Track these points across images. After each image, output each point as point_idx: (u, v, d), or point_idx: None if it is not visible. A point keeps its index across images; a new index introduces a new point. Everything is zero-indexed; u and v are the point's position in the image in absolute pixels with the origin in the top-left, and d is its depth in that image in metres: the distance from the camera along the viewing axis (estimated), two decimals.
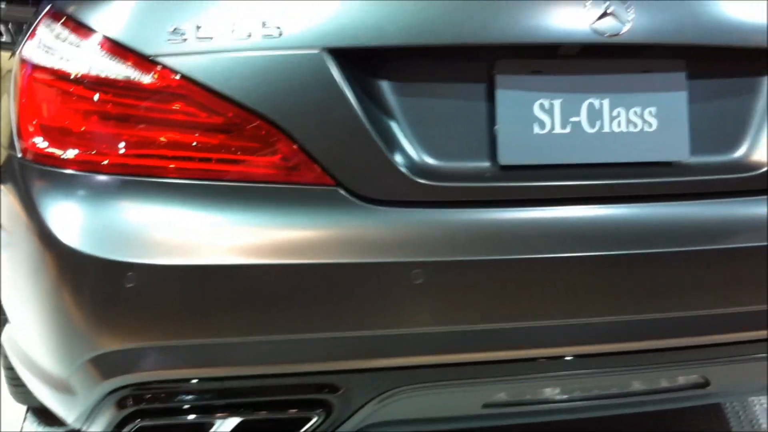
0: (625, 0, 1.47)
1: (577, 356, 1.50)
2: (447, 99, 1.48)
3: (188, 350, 1.37)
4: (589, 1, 1.46)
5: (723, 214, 1.55)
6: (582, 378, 1.55)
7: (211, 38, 1.38)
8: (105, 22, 1.41)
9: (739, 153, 1.60)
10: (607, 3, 1.46)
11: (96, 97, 1.40)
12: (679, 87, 1.56)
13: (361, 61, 1.42)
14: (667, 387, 1.64)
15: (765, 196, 1.58)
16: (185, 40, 1.38)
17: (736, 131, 1.60)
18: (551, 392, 1.59)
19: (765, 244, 1.54)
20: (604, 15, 1.47)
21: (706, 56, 1.58)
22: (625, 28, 1.47)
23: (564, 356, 1.50)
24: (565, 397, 1.59)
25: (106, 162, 1.39)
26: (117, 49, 1.39)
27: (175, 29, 1.38)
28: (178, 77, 1.38)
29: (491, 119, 1.49)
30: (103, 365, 1.39)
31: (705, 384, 1.63)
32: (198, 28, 1.38)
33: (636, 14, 1.48)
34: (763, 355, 1.60)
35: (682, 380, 1.64)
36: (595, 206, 1.50)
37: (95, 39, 1.40)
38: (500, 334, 1.44)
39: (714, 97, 1.60)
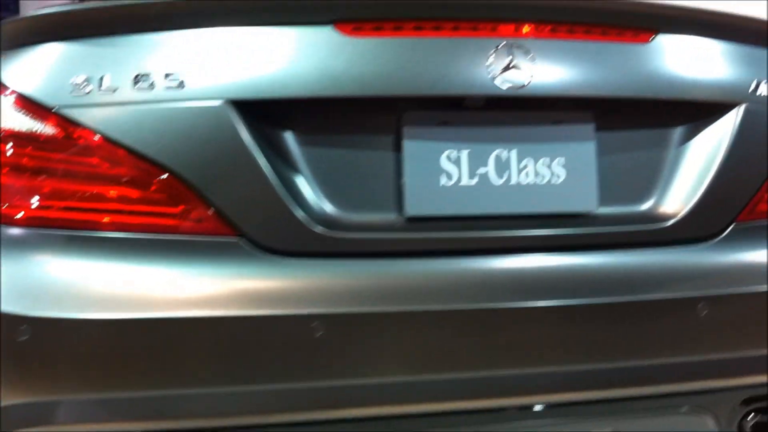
0: (529, 53, 1.49)
1: (478, 410, 1.50)
2: (354, 150, 1.49)
3: (85, 405, 1.35)
4: (493, 54, 1.47)
5: (632, 265, 1.56)
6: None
7: (114, 89, 1.39)
8: (13, 75, 1.41)
9: (648, 204, 1.62)
10: (510, 57, 1.48)
11: (6, 148, 1.40)
12: (588, 138, 1.58)
13: (265, 112, 1.43)
14: None
15: (674, 248, 1.59)
16: (89, 92, 1.38)
17: (645, 182, 1.62)
18: None
19: (674, 295, 1.55)
20: (507, 68, 1.48)
21: (616, 108, 1.60)
22: (529, 81, 1.48)
23: (469, 409, 1.49)
24: None
25: (9, 214, 1.39)
26: (23, 101, 1.39)
27: (78, 81, 1.39)
28: (80, 128, 1.38)
29: (398, 170, 1.50)
30: (6, 417, 1.37)
31: None
32: (101, 79, 1.39)
33: (541, 67, 1.50)
34: (673, 408, 1.60)
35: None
36: (503, 257, 1.50)
37: (5, 92, 1.40)
38: (402, 387, 1.43)
39: (623, 149, 1.62)
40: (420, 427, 1.50)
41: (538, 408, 1.54)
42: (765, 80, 1.66)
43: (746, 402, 1.65)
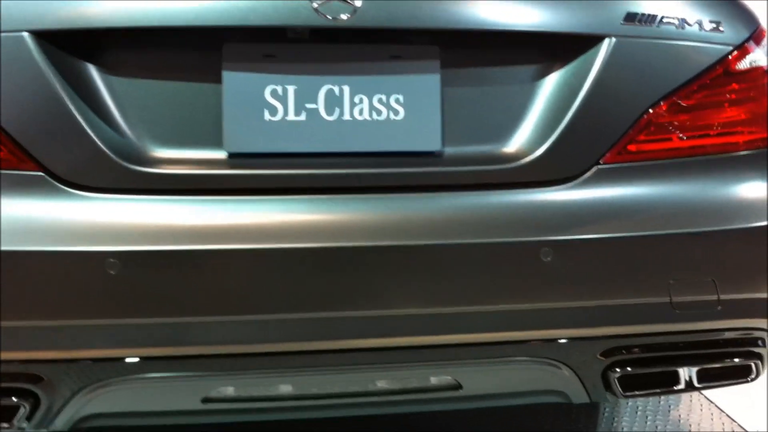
0: None
1: (304, 352, 1.45)
2: (172, 84, 1.44)
3: None
4: None
5: (477, 207, 1.47)
6: (311, 375, 1.49)
7: None
8: None
9: (500, 144, 1.52)
10: None
11: None
12: (431, 74, 1.48)
13: (71, 44, 1.38)
14: (419, 387, 1.57)
15: (525, 189, 1.50)
16: None
17: (497, 121, 1.52)
18: (284, 389, 1.53)
19: (523, 239, 1.46)
20: None
21: (465, 41, 1.50)
22: (354, 11, 1.40)
23: (291, 352, 1.44)
24: (298, 393, 1.53)
25: None
26: None
27: None
28: None
29: (219, 105, 1.44)
30: None
31: (457, 386, 1.56)
32: None
33: None
34: (517, 358, 1.52)
35: (434, 381, 1.57)
36: (334, 196, 1.44)
37: None
38: (211, 327, 1.39)
39: (474, 85, 1.52)
40: (243, 366, 1.46)
41: (374, 353, 1.48)
42: (640, 12, 1.53)
43: (606, 354, 1.56)
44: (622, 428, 2.25)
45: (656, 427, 2.27)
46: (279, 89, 1.44)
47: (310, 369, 1.47)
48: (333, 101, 1.45)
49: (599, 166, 1.53)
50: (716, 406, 2.42)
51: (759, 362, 1.66)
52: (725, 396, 2.40)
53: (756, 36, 1.64)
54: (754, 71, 1.62)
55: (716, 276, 1.54)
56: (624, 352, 1.57)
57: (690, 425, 2.30)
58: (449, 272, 1.44)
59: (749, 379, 1.69)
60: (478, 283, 1.45)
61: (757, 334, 1.65)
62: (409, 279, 1.43)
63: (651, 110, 1.54)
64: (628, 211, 1.52)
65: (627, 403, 2.37)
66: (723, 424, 2.34)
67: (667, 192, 1.55)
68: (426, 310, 1.45)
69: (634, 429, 2.25)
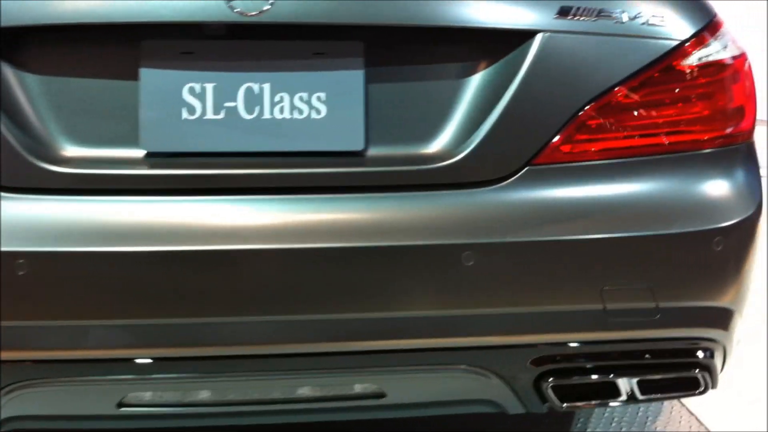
0: None
1: (218, 357, 1.43)
2: (90, 82, 1.43)
3: None
4: None
5: (400, 208, 1.44)
6: (229, 381, 1.47)
7: None
8: None
9: (426, 144, 1.48)
10: None
11: None
12: (355, 72, 1.45)
13: None
14: (341, 395, 1.53)
15: (451, 191, 1.46)
16: None
17: (423, 120, 1.48)
18: (201, 395, 1.51)
19: (443, 242, 1.42)
20: None
21: (390, 38, 1.47)
22: (269, 7, 1.37)
23: (204, 356, 1.42)
24: (215, 400, 1.51)
25: None
26: None
27: None
28: None
29: (137, 103, 1.42)
30: None
31: (381, 395, 1.52)
32: None
33: None
34: (442, 366, 1.48)
35: (358, 389, 1.53)
36: (250, 197, 1.41)
37: None
38: (121, 331, 1.38)
39: (400, 83, 1.48)
40: (159, 371, 1.44)
41: (289, 359, 1.45)
42: (575, 6, 1.48)
43: (537, 362, 1.51)
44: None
45: (621, 428, 2.21)
46: (197, 87, 1.42)
47: (226, 374, 1.45)
48: (252, 99, 1.43)
49: (531, 167, 1.48)
50: (687, 409, 2.35)
51: (707, 374, 1.59)
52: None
53: (708, 30, 1.57)
54: (707, 67, 1.55)
55: (653, 283, 1.49)
56: (556, 360, 1.52)
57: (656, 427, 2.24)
58: (370, 275, 1.41)
59: (698, 392, 1.62)
60: (398, 287, 1.42)
61: (705, 344, 1.58)
62: (330, 282, 1.40)
63: (587, 108, 1.49)
64: (560, 214, 1.47)
65: (603, 413, 2.31)
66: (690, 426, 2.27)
67: (603, 194, 1.49)
68: (345, 315, 1.42)
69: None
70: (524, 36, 1.46)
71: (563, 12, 1.47)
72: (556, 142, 1.48)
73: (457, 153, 1.45)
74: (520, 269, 1.44)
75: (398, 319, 1.42)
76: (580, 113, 1.48)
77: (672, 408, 2.32)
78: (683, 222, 1.49)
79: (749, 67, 1.67)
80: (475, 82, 1.48)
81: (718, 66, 1.56)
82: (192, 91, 1.42)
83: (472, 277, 1.42)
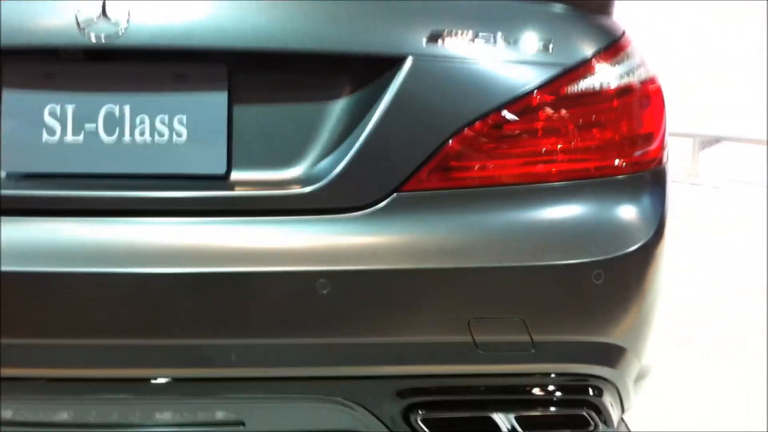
0: (123, 0, 1.37)
1: (73, 379, 1.42)
2: None
3: None
4: (84, 2, 1.37)
5: (260, 234, 1.41)
6: (82, 404, 1.45)
7: None
8: None
9: (290, 169, 1.46)
10: (102, 5, 1.37)
11: None
12: (219, 95, 1.43)
13: None
14: (201, 422, 1.50)
15: (312, 217, 1.43)
16: None
17: (288, 145, 1.46)
18: (56, 416, 1.50)
19: (301, 269, 1.39)
20: (101, 17, 1.37)
21: (256, 62, 1.45)
22: (123, 32, 1.37)
23: (57, 378, 1.42)
24: (68, 421, 1.49)
25: None
26: None
27: None
28: None
29: None
30: None
31: (239, 423, 1.49)
32: None
33: (142, 17, 1.38)
34: (303, 395, 1.44)
35: (218, 416, 1.50)
36: (110, 220, 1.40)
37: None
38: None
39: (265, 107, 1.46)
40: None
41: (144, 384, 1.43)
42: (447, 31, 1.44)
43: (403, 394, 1.46)
44: None
45: None
46: (58, 109, 1.42)
47: (80, 397, 1.43)
48: (113, 122, 1.42)
49: (399, 194, 1.44)
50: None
51: (594, 413, 1.52)
52: None
53: (606, 54, 1.51)
54: (599, 93, 1.50)
55: (524, 316, 1.43)
56: (424, 392, 1.46)
57: None
58: (225, 302, 1.39)
59: (589, 431, 1.55)
60: (252, 314, 1.39)
61: (592, 382, 1.51)
62: (184, 308, 1.38)
63: (458, 135, 1.44)
64: (425, 242, 1.42)
65: None
66: None
67: (472, 223, 1.44)
68: (198, 341, 1.39)
69: None
70: (392, 61, 1.42)
71: (434, 37, 1.43)
72: (425, 169, 1.44)
73: (321, 179, 1.42)
74: (380, 298, 1.40)
75: (253, 347, 1.39)
76: (451, 140, 1.44)
77: None
78: (556, 254, 1.43)
79: (657, 91, 1.60)
80: (341, 107, 1.45)
81: (616, 92, 1.51)
82: (53, 112, 1.42)
83: (328, 306, 1.38)
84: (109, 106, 1.42)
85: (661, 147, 1.60)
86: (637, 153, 1.53)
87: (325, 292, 1.37)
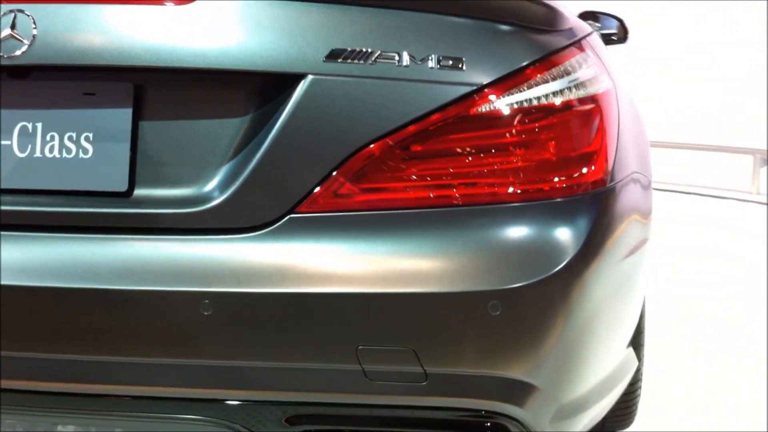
0: (29, 18, 1.42)
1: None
2: None
3: None
4: None
5: (151, 252, 1.42)
6: None
7: None
8: None
9: (187, 187, 1.46)
10: (11, 23, 1.42)
11: None
12: (124, 112, 1.46)
13: None
14: None
15: (202, 236, 1.42)
16: None
17: (188, 163, 1.46)
18: None
19: (184, 289, 1.39)
20: (9, 33, 1.43)
21: (160, 79, 1.46)
22: (25, 50, 1.41)
23: None
24: None
25: None
26: None
27: None
28: None
29: None
30: None
31: None
32: None
33: (47, 34, 1.42)
34: (186, 416, 1.44)
35: None
36: (14, 233, 1.45)
37: None
38: None
39: (169, 124, 1.47)
40: None
41: (28, 396, 1.46)
42: (348, 48, 1.40)
43: (291, 421, 1.43)
44: None
45: None
46: None
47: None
48: (26, 138, 1.48)
49: (294, 215, 1.41)
50: None
51: None
52: None
53: (530, 71, 1.43)
54: (518, 113, 1.42)
55: (416, 345, 1.37)
56: (314, 421, 1.43)
57: None
58: (115, 319, 1.40)
59: None
60: (140, 332, 1.40)
61: (497, 419, 1.43)
62: (74, 323, 1.41)
63: (357, 157, 1.40)
64: (316, 265, 1.39)
65: None
66: None
67: (368, 247, 1.39)
68: (87, 357, 1.42)
69: None
70: (291, 79, 1.40)
71: (334, 55, 1.39)
72: (320, 190, 1.40)
73: (214, 198, 1.42)
74: (265, 321, 1.37)
75: (137, 365, 1.40)
76: (348, 161, 1.40)
77: None
78: (451, 282, 1.36)
79: (598, 109, 1.50)
80: (240, 125, 1.44)
81: (539, 110, 1.42)
82: None
83: (210, 327, 1.37)
84: (23, 122, 1.47)
85: (602, 169, 1.49)
86: (562, 176, 1.43)
87: (207, 313, 1.36)
